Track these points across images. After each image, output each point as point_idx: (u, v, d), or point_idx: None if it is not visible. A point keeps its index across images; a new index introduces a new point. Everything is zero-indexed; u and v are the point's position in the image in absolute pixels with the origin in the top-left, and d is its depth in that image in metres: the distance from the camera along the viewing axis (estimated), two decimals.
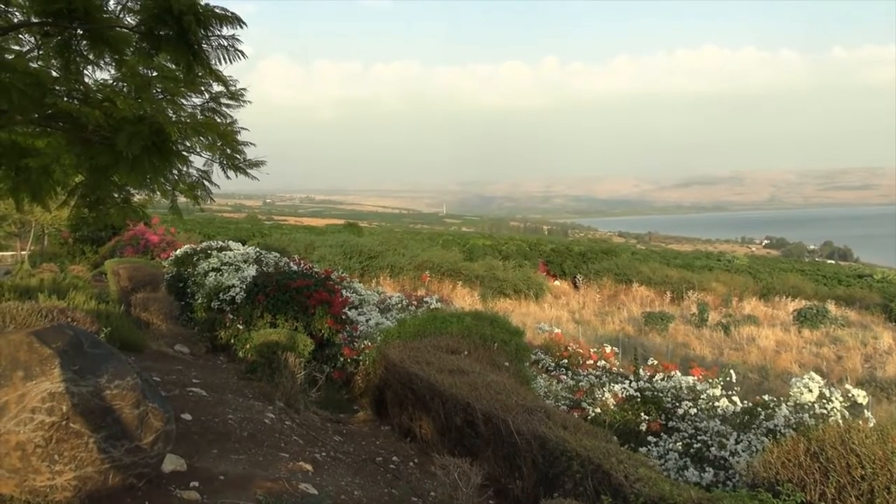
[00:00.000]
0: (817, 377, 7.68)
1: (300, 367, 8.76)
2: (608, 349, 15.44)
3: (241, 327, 11.32)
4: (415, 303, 17.54)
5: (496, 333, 9.22)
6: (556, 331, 17.90)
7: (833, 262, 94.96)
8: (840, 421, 6.69)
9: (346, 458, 6.81)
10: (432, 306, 16.65)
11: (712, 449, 7.19)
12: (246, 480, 5.07)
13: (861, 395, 7.37)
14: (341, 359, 10.85)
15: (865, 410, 7.52)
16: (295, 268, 13.51)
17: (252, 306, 11.35)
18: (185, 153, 5.33)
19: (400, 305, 16.93)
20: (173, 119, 5.18)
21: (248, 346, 10.04)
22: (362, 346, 10.91)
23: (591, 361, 14.49)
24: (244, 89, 5.57)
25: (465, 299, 28.89)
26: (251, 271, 13.35)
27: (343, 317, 11.83)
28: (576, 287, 38.01)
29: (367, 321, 12.94)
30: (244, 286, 12.20)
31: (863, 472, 4.88)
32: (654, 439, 7.89)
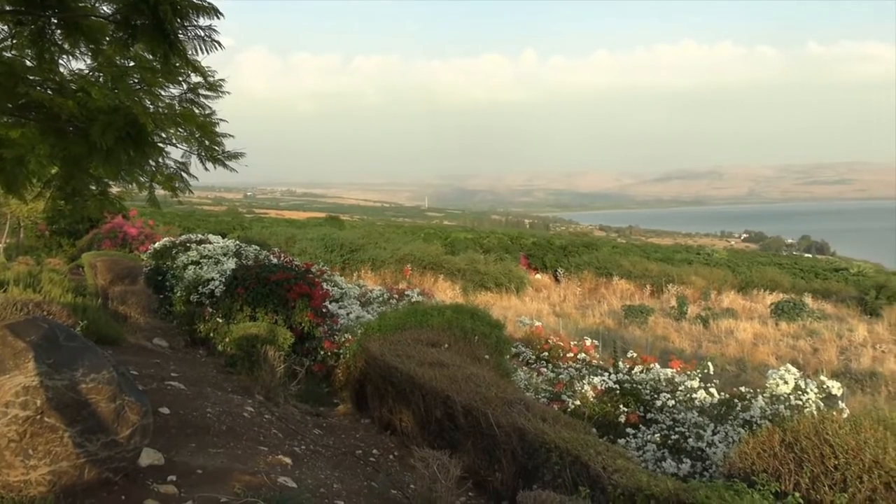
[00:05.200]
0: (793, 369, 7.78)
1: (280, 361, 8.73)
2: (588, 342, 15.53)
3: (220, 320, 11.25)
4: (396, 296, 17.53)
5: (477, 326, 9.23)
6: (537, 324, 17.98)
7: (810, 255, 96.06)
8: (815, 412, 6.78)
9: (326, 451, 6.80)
10: (413, 300, 16.65)
11: (690, 440, 7.26)
12: (224, 474, 5.05)
13: (836, 387, 7.47)
14: (322, 352, 10.81)
15: (840, 402, 7.63)
16: (275, 261, 13.44)
17: (232, 299, 11.28)
18: (161, 144, 5.27)
19: (381, 299, 16.90)
20: (151, 110, 5.12)
21: (227, 340, 9.97)
22: (343, 339, 10.89)
23: (572, 354, 14.57)
24: (222, 80, 5.52)
25: (446, 293, 28.92)
26: (231, 264, 13.27)
27: (323, 310, 11.79)
28: (557, 280, 38.15)
29: (347, 314, 12.91)
30: (224, 279, 12.12)
31: (836, 462, 4.95)
32: (633, 431, 7.96)
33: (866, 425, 5.13)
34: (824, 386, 7.58)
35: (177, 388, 7.48)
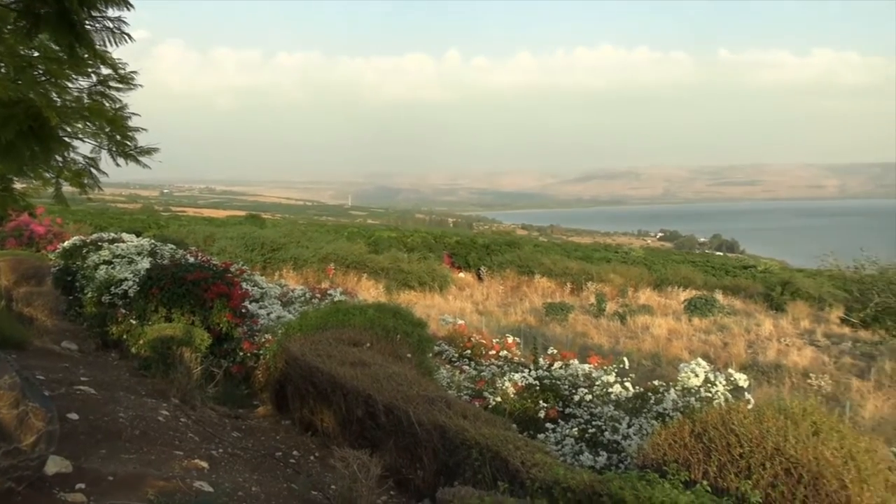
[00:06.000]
0: (703, 363, 8.09)
1: (197, 363, 8.52)
2: (510, 339, 15.72)
3: (134, 322, 10.89)
4: (318, 295, 17.30)
5: (399, 325, 9.23)
6: (460, 322, 18.09)
7: (721, 253, 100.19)
8: (723, 403, 7.07)
9: (245, 453, 6.67)
10: (336, 299, 16.47)
11: (606, 433, 7.46)
12: (137, 480, 4.89)
13: (742, 379, 7.80)
14: (241, 353, 10.60)
15: (746, 393, 7.97)
16: (192, 260, 13.08)
17: (146, 300, 10.94)
18: (68, 139, 5.06)
19: (303, 298, 16.66)
20: (58, 103, 4.91)
21: (141, 342, 9.66)
22: (263, 339, 10.70)
23: (494, 352, 14.72)
24: (134, 72, 5.34)
25: (370, 292, 28.78)
26: (145, 264, 12.85)
27: (243, 310, 11.57)
28: (480, 279, 38.50)
29: (268, 314, 12.68)
30: (138, 279, 11.74)
31: (741, 451, 5.18)
32: (552, 426, 8.11)
33: (769, 415, 5.39)
34: (732, 378, 7.90)
35: (87, 393, 7.20)
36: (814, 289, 31.13)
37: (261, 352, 10.32)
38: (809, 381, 18.21)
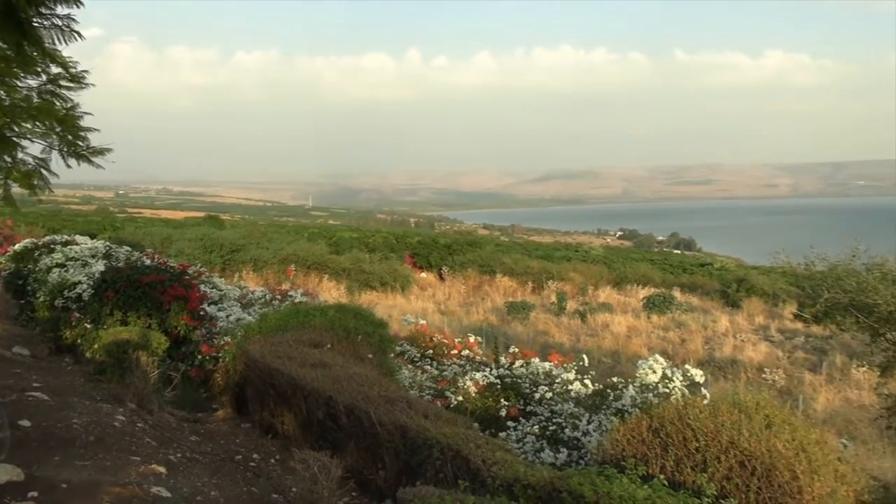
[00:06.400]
0: (661, 359, 8.23)
1: (154, 366, 8.38)
2: (472, 339, 15.76)
3: (88, 326, 10.66)
4: (279, 297, 17.12)
5: (360, 326, 9.19)
6: (422, 322, 18.09)
7: (679, 251, 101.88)
8: (680, 399, 7.20)
9: (204, 458, 6.59)
10: (297, 300, 16.32)
11: (566, 430, 7.54)
12: (92, 487, 4.80)
13: (698, 375, 7.96)
14: (199, 356, 10.45)
15: (702, 388, 8.13)
16: (149, 262, 12.86)
17: (101, 304, 10.72)
18: (16, 139, 4.93)
19: (263, 300, 16.47)
20: (5, 102, 4.78)
21: (96, 346, 9.47)
22: (222, 342, 10.55)
23: (456, 351, 14.75)
24: (86, 71, 5.23)
25: (331, 293, 28.59)
26: (100, 266, 12.61)
27: (201, 313, 11.41)
28: (441, 279, 38.55)
29: (227, 317, 12.51)
30: (92, 282, 11.51)
31: (697, 445, 5.29)
32: (513, 424, 8.18)
33: (723, 409, 5.51)
34: (689, 374, 8.05)
35: (39, 399, 7.04)
36: (768, 286, 31.86)
37: (220, 354, 10.19)
38: (764, 375, 18.64)
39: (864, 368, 15.96)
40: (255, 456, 7.09)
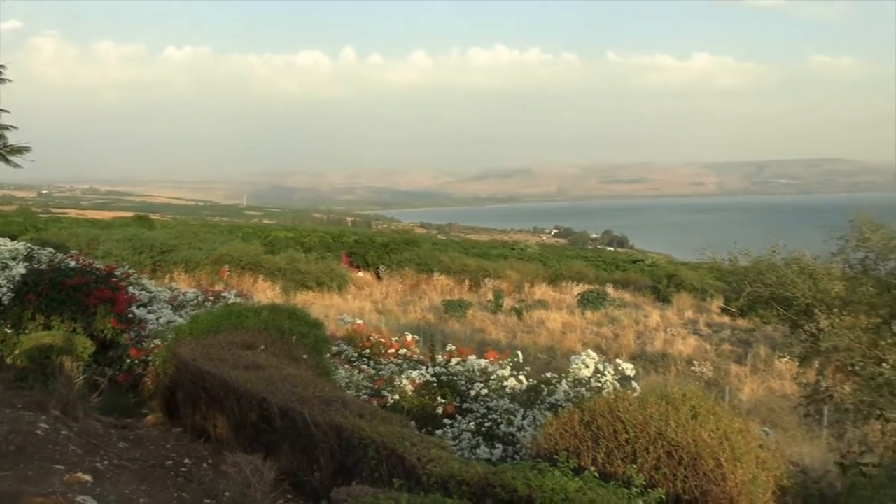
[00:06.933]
0: (593, 354, 8.41)
1: (79, 372, 8.10)
2: (409, 338, 15.76)
3: (9, 331, 10.27)
4: (212, 298, 16.78)
5: (295, 326, 9.09)
6: (359, 322, 17.98)
7: (612, 249, 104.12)
8: (611, 392, 7.37)
9: (133, 464, 6.42)
10: (230, 301, 16.03)
11: (502, 426, 7.64)
12: (12, 499, 4.62)
13: (629, 368, 8.17)
14: (128, 360, 10.18)
15: (633, 382, 8.34)
16: (74, 264, 12.42)
17: (22, 307, 10.34)
18: None
19: (195, 301, 16.11)
20: None
21: (17, 352, 9.13)
22: (152, 345, 10.29)
23: (393, 350, 14.73)
24: (2, 66, 5.02)
25: (266, 293, 28.16)
26: (20, 269, 12.11)
27: (130, 315, 11.11)
28: (379, 278, 38.42)
29: (157, 319, 12.21)
30: (12, 286, 11.07)
31: (627, 437, 5.44)
32: (450, 421, 8.23)
33: (652, 401, 5.68)
34: (620, 368, 8.25)
35: None
36: (696, 281, 32.88)
37: (149, 358, 9.94)
38: (693, 368, 19.24)
39: (786, 359, 16.64)
40: (186, 461, 6.94)
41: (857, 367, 7.63)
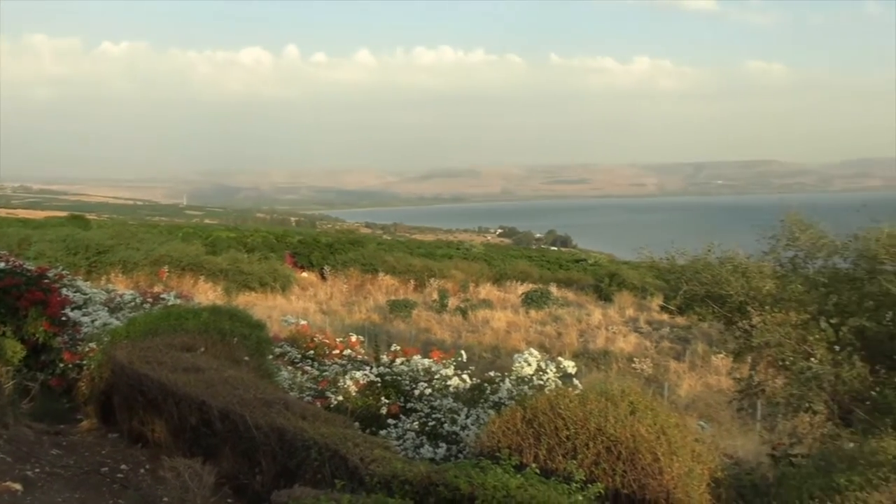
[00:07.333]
0: (535, 352, 8.51)
1: (9, 377, 7.85)
2: (354, 338, 15.67)
3: None
4: (150, 300, 16.39)
5: (236, 328, 8.96)
6: (303, 322, 17.80)
7: (556, 248, 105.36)
8: (553, 390, 7.48)
9: (66, 472, 6.23)
10: (170, 303, 15.69)
11: (446, 425, 7.67)
12: None
13: (570, 366, 8.29)
14: (61, 364, 9.84)
15: (575, 379, 8.47)
16: (2, 265, 11.96)
17: None
18: None
19: (133, 303, 15.70)
20: None
21: None
22: (86, 349, 9.98)
23: (338, 351, 14.62)
24: None
25: (207, 294, 27.62)
26: None
27: (63, 318, 10.74)
28: (323, 278, 38.09)
29: (92, 322, 11.86)
30: None
31: (568, 433, 5.53)
32: (394, 421, 8.22)
33: (592, 398, 5.79)
34: (562, 366, 8.37)
35: None
36: (637, 279, 33.56)
37: (84, 362, 9.64)
38: (634, 365, 19.66)
39: (722, 355, 17.14)
40: (122, 467, 6.78)
41: (787, 362, 7.91)
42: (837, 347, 7.75)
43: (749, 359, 8.94)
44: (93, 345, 10.03)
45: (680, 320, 23.74)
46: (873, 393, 7.39)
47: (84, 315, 12.25)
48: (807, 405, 7.79)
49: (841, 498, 4.53)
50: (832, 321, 7.87)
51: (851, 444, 6.03)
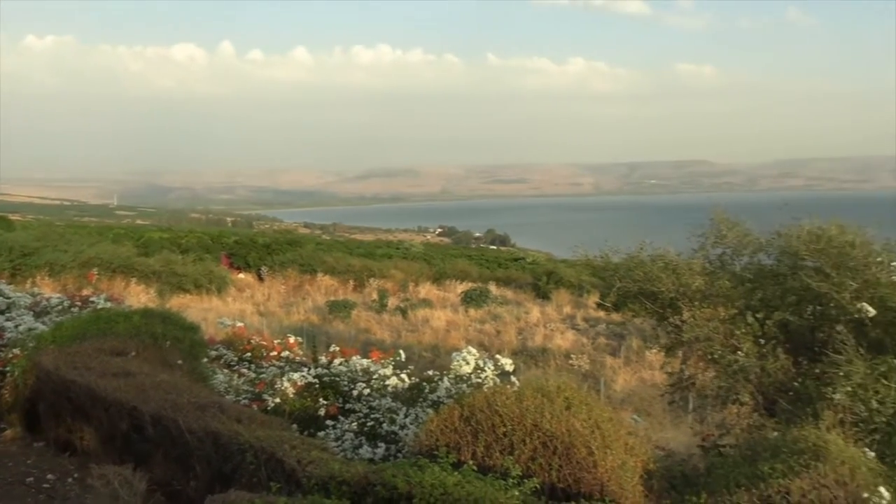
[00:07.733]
0: (474, 351, 8.57)
1: None
2: (292, 339, 15.50)
3: None
4: (79, 303, 15.87)
5: (168, 331, 8.77)
6: (240, 325, 17.51)
7: (495, 247, 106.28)
8: (491, 387, 7.55)
9: None
10: (99, 306, 15.23)
11: (384, 425, 7.66)
12: None
13: (508, 364, 8.38)
14: None
15: (512, 376, 8.56)
16: None
17: None
18: None
19: (60, 307, 15.19)
20: None
21: None
22: (10, 355, 9.61)
23: (275, 353, 14.44)
24: None
25: (139, 297, 26.84)
26: None
27: None
28: (261, 279, 37.49)
29: (16, 327, 11.44)
30: None
31: (505, 430, 5.60)
32: (332, 422, 8.17)
33: (528, 394, 5.88)
34: (499, 364, 8.45)
35: None
36: (574, 277, 34.11)
37: (7, 369, 9.29)
38: (571, 361, 19.99)
39: (655, 350, 17.57)
40: (49, 476, 6.56)
41: (715, 356, 8.15)
42: (763, 341, 8.03)
43: (680, 353, 9.18)
44: (17, 350, 9.67)
45: (615, 317, 24.31)
46: (796, 384, 7.68)
47: (7, 320, 11.85)
48: (734, 397, 8.06)
49: (765, 485, 4.71)
50: (758, 315, 8.14)
51: (775, 434, 6.27)
